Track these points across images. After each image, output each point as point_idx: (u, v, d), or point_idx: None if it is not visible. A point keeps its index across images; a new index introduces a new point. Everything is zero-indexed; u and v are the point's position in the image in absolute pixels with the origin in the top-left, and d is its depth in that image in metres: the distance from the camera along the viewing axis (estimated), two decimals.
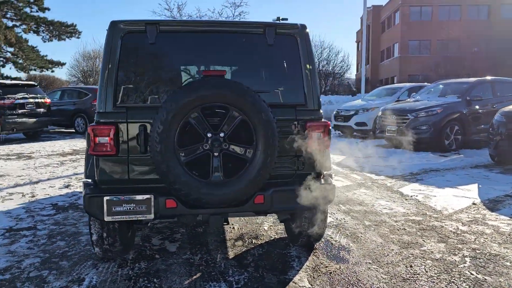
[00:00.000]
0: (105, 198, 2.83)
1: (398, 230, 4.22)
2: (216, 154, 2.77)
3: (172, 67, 3.24)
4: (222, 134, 2.77)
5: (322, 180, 3.17)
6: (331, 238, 4.01)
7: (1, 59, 34.57)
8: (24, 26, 34.06)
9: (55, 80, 30.60)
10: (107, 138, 2.88)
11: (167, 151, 2.68)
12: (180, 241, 3.96)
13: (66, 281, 3.14)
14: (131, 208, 2.85)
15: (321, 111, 3.22)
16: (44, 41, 35.96)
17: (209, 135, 2.75)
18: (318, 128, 3.12)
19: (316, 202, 3.06)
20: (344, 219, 4.61)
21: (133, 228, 3.57)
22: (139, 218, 2.88)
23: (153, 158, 2.71)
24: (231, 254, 3.64)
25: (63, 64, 34.79)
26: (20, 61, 34.45)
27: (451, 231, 4.16)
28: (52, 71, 33.82)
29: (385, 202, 5.32)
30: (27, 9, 33.81)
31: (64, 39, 36.94)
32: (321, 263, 3.43)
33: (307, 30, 3.22)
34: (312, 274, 3.24)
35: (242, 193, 2.80)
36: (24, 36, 33.45)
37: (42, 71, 34.74)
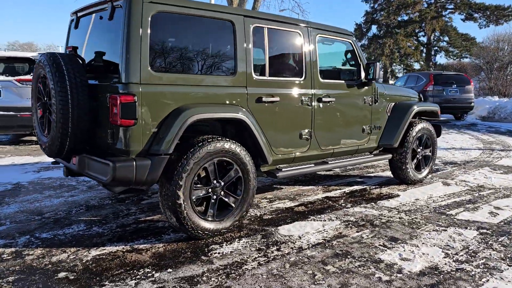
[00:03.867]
0: None
1: None
2: (48, 115, 3.45)
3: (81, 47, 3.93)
4: (47, 100, 3.39)
5: (124, 158, 3.04)
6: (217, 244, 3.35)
7: (435, 48, 37.24)
8: (458, 14, 34.98)
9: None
10: None
11: (32, 109, 3.66)
12: None
13: (72, 195, 4.74)
14: None
15: (137, 87, 3.00)
16: (480, 27, 35.84)
17: (44, 100, 3.46)
18: (114, 102, 2.99)
19: (114, 180, 3.02)
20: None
21: None
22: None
23: None
24: (153, 218, 3.96)
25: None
26: (451, 49, 36.01)
27: None
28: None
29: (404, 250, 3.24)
30: None
31: (502, 23, 35.11)
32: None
33: None
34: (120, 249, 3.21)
35: (47, 150, 3.34)
36: (454, 24, 34.57)
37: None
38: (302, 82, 4.06)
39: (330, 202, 4.57)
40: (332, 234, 3.61)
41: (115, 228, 3.70)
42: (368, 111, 4.78)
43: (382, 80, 34.55)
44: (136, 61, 3.04)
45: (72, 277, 2.77)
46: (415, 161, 5.36)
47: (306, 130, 4.12)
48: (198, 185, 3.37)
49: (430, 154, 5.54)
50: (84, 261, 3.02)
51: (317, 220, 3.95)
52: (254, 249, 3.26)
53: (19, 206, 4.31)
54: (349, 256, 3.14)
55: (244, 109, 3.56)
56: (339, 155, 4.60)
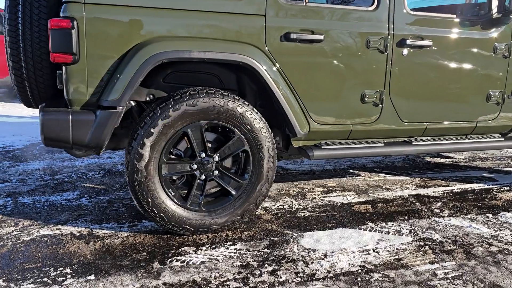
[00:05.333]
0: None
1: None
2: None
3: None
4: None
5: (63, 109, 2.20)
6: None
7: None
8: None
9: None
10: None
11: None
12: None
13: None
14: None
15: (78, 7, 2.06)
16: None
17: None
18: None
19: (46, 140, 2.23)
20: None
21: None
22: None
23: None
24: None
25: None
26: None
27: None
28: None
29: None
30: None
31: None
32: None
33: None
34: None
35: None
36: None
37: None
38: (371, 13, 2.58)
39: (417, 204, 3.02)
40: (384, 259, 2.18)
41: (103, 202, 2.95)
42: (501, 68, 2.97)
43: None
44: None
45: None
46: None
47: (374, 91, 2.65)
48: (182, 159, 2.36)
49: None
50: (19, 241, 2.32)
51: (374, 231, 2.53)
52: (239, 264, 2.10)
53: (47, 163, 3.93)
54: None
55: (257, 49, 2.34)
56: (438, 134, 2.97)
